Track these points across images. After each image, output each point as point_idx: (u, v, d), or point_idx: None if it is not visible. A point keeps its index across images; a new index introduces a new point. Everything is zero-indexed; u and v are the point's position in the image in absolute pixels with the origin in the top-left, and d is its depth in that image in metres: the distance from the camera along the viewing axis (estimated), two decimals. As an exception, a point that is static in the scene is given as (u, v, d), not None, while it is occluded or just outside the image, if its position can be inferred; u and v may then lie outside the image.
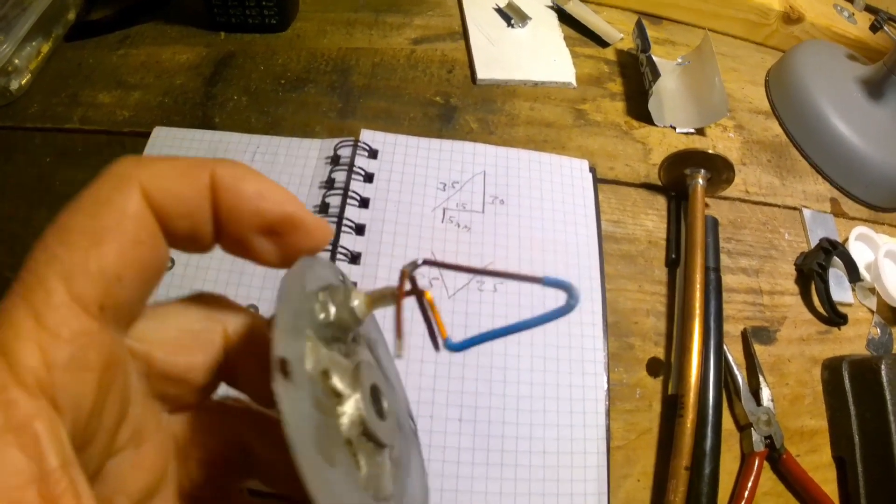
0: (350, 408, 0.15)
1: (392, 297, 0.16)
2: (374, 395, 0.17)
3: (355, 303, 0.16)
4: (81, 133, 0.49)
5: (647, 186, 0.52)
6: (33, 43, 0.51)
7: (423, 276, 0.43)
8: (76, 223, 0.13)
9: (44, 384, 0.12)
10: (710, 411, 0.42)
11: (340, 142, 0.47)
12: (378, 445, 0.16)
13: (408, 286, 0.17)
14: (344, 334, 0.17)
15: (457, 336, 0.41)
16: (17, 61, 0.50)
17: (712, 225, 0.49)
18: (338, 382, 0.15)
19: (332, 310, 0.16)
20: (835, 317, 0.50)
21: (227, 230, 0.15)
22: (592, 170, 0.50)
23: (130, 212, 0.14)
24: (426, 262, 0.17)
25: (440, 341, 0.17)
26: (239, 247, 0.16)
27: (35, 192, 0.47)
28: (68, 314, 0.13)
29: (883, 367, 0.45)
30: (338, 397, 0.15)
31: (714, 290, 0.47)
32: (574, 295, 0.15)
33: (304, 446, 0.13)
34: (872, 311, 0.53)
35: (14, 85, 0.50)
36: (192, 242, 0.15)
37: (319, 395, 0.15)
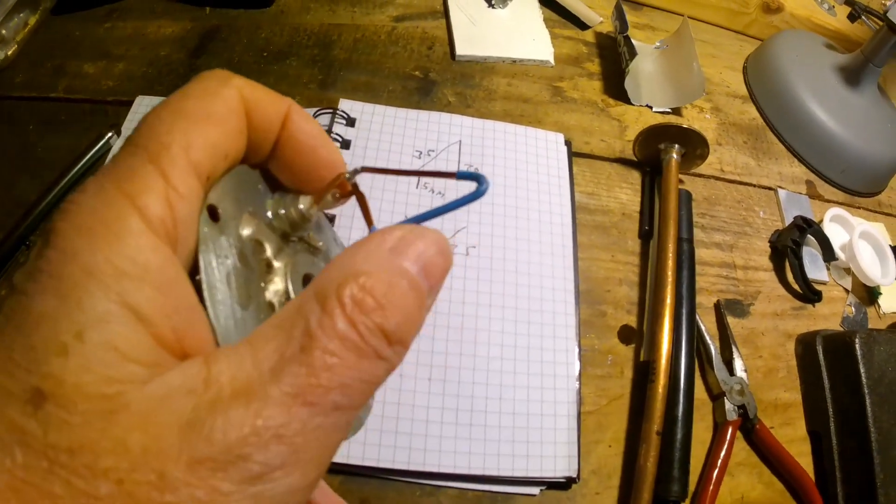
0: (279, 279, 0.17)
1: (333, 198, 0.18)
2: (309, 282, 0.18)
3: (302, 201, 0.18)
4: (65, 102, 0.49)
5: (622, 161, 0.53)
6: (21, 15, 0.52)
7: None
8: (191, 106, 0.15)
9: (170, 235, 0.14)
10: (682, 377, 0.43)
11: (319, 110, 0.48)
12: None
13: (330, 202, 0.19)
14: (295, 231, 0.19)
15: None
16: (3, 32, 0.50)
17: (686, 198, 0.50)
18: (272, 256, 0.17)
19: (282, 208, 0.18)
20: (809, 293, 0.51)
21: (282, 154, 0.18)
22: (567, 143, 0.51)
23: (234, 104, 0.16)
24: (364, 169, 0.19)
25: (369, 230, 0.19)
26: (284, 171, 0.18)
27: (18, 158, 0.47)
28: (189, 177, 0.14)
29: (857, 341, 0.45)
30: (269, 268, 0.17)
31: (687, 259, 0.47)
32: (483, 181, 0.16)
33: (212, 270, 0.15)
34: (847, 291, 0.54)
35: (0, 55, 0.50)
36: (252, 151, 0.17)
37: (247, 254, 0.17)
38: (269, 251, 0.17)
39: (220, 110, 0.15)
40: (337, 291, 0.13)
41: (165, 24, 0.54)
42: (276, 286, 0.17)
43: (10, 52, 0.51)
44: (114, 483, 0.11)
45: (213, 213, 0.16)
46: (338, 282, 0.14)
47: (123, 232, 0.13)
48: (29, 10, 0.53)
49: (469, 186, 0.16)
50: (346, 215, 0.43)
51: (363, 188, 0.18)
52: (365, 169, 0.18)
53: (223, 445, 0.12)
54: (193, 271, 0.15)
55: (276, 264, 0.18)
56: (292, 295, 0.17)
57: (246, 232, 0.17)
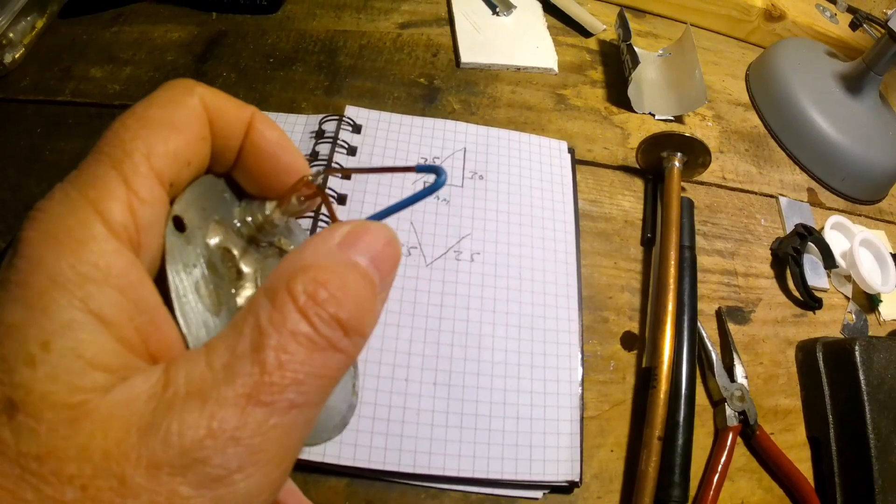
0: (249, 285, 0.18)
1: (298, 202, 0.18)
2: None
3: (267, 206, 0.19)
4: (73, 105, 0.50)
5: (625, 169, 0.54)
6: (28, 18, 0.52)
7: (403, 244, 0.43)
8: (154, 114, 0.15)
9: (133, 240, 0.14)
10: (684, 383, 0.43)
11: (325, 117, 0.48)
12: None
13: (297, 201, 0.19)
14: (264, 237, 0.19)
15: (433, 305, 0.41)
16: (11, 35, 0.51)
17: (688, 206, 0.51)
18: (241, 263, 0.18)
19: (248, 215, 0.19)
20: (810, 300, 0.51)
21: (246, 161, 0.18)
22: (571, 150, 0.52)
23: (198, 112, 0.16)
24: (328, 171, 0.19)
25: None
26: (249, 178, 0.18)
27: (26, 161, 0.47)
28: (151, 183, 0.14)
29: (857, 348, 0.45)
30: (238, 274, 0.18)
31: (688, 267, 0.47)
32: (441, 173, 0.17)
33: (180, 280, 0.15)
34: (848, 298, 0.54)
35: (8, 58, 0.51)
36: (217, 159, 0.17)
37: (216, 262, 0.17)
38: (238, 258, 0.18)
39: (183, 118, 0.16)
40: (287, 285, 0.14)
41: (172, 28, 0.55)
42: (247, 292, 0.18)
43: (17, 56, 0.51)
44: (78, 489, 0.12)
45: (179, 224, 0.16)
46: (287, 276, 0.14)
47: (86, 238, 0.13)
48: (36, 13, 0.53)
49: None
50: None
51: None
52: (328, 170, 0.19)
53: (179, 449, 0.12)
54: (160, 279, 0.15)
55: (246, 270, 0.18)
56: None
57: (213, 240, 0.17)
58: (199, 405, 0.12)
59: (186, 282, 0.15)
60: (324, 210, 0.43)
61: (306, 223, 0.42)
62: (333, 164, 0.45)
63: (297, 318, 0.13)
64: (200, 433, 0.12)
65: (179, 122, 0.15)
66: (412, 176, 0.46)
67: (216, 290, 0.16)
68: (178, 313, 0.15)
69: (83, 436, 0.12)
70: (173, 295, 0.15)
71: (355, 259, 0.15)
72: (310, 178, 0.18)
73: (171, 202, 0.16)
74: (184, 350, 0.15)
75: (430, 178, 0.17)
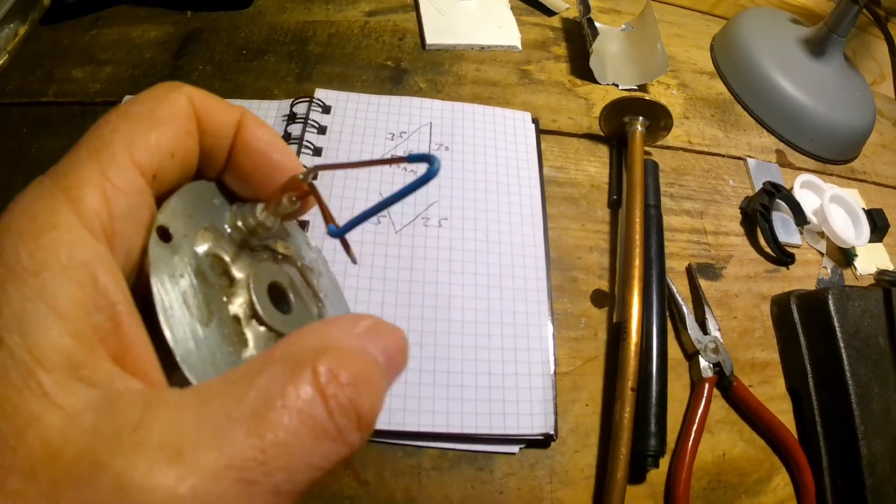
0: (241, 291, 0.18)
1: (290, 202, 0.18)
2: (276, 291, 0.19)
3: (258, 209, 0.19)
4: (56, 105, 0.52)
5: (590, 136, 0.55)
6: (10, 25, 0.55)
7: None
8: (137, 110, 0.15)
9: (106, 229, 0.13)
10: (655, 335, 0.44)
11: (296, 100, 0.50)
12: (277, 334, 0.18)
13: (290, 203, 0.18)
14: (257, 241, 0.19)
15: (403, 269, 0.43)
16: (-5, 43, 0.53)
17: (652, 167, 0.52)
18: (233, 269, 0.18)
19: (239, 219, 0.19)
20: (781, 256, 0.52)
21: (237, 162, 0.18)
22: (535, 121, 0.53)
23: (183, 107, 0.16)
24: (318, 168, 0.19)
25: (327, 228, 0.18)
26: (240, 180, 0.18)
27: (13, 160, 0.49)
28: (129, 173, 0.14)
29: (830, 298, 0.46)
30: (230, 281, 0.18)
31: (655, 224, 0.48)
32: (434, 162, 0.16)
33: (165, 292, 0.15)
34: (822, 254, 0.55)
35: (-8, 65, 0.53)
36: (207, 160, 0.17)
37: (205, 270, 0.17)
38: (229, 264, 0.18)
39: (166, 112, 0.15)
40: (313, 360, 0.13)
41: (149, 28, 0.57)
42: (240, 299, 0.17)
43: (1, 62, 0.54)
44: None
45: (164, 234, 0.16)
46: (314, 351, 0.13)
47: (50, 225, 0.12)
48: (18, 20, 0.55)
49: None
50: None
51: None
52: (319, 167, 0.18)
53: None
54: (144, 284, 0.15)
55: (239, 276, 0.18)
56: (257, 306, 0.17)
57: (202, 248, 0.17)
58: (170, 461, 0.11)
59: (173, 293, 0.15)
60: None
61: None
62: (305, 143, 0.47)
63: (312, 399, 0.12)
64: (164, 493, 0.10)
65: (162, 116, 0.15)
66: (385, 170, 0.47)
67: (206, 299, 0.16)
68: (163, 325, 0.14)
69: (31, 452, 0.11)
70: (158, 308, 0.14)
71: (375, 354, 0.14)
72: (300, 176, 0.17)
73: (157, 204, 0.15)
74: (152, 358, 0.14)
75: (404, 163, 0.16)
